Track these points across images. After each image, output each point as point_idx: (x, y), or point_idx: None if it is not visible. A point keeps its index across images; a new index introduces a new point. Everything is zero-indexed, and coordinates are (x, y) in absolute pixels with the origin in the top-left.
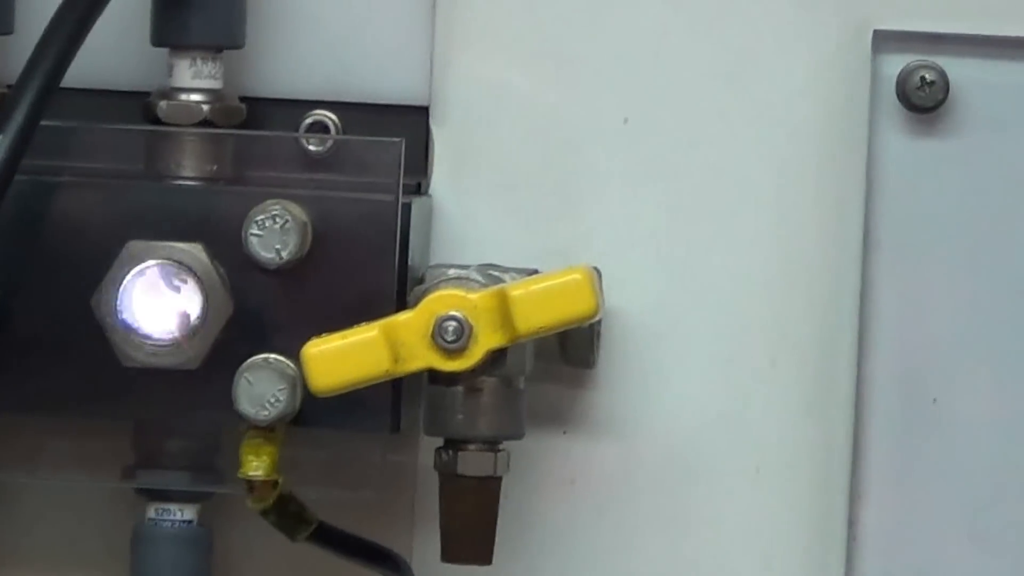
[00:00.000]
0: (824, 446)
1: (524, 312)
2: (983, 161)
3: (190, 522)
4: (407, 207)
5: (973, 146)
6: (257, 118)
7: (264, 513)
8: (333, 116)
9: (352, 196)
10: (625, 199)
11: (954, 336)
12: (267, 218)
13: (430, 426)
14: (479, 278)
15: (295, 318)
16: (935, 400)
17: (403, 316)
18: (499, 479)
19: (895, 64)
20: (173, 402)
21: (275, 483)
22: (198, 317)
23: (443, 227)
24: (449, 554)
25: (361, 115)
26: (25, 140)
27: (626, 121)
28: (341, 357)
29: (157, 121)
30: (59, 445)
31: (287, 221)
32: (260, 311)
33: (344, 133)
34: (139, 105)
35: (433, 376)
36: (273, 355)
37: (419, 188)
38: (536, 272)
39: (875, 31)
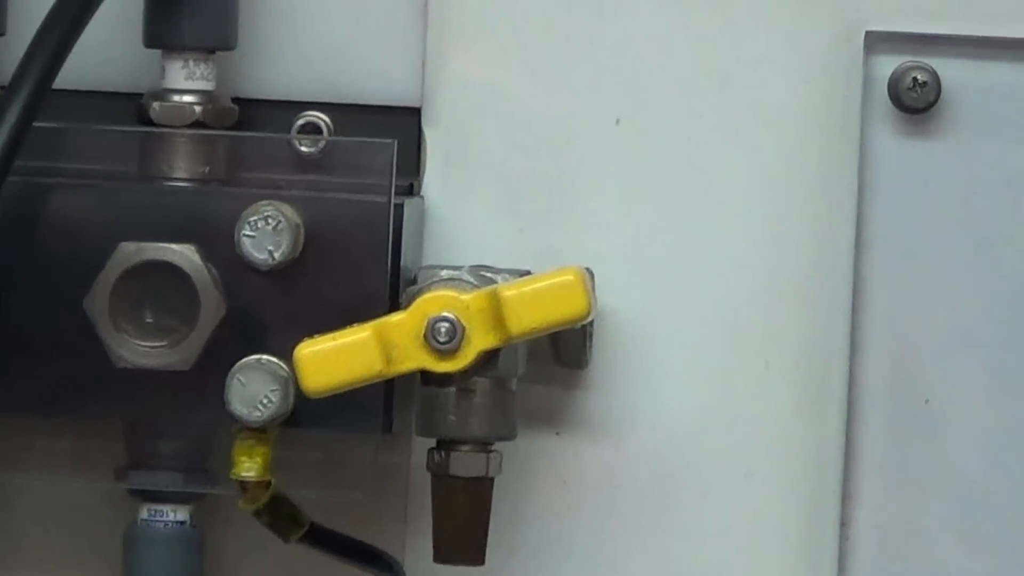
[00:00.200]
0: (816, 447)
1: (516, 313)
2: (975, 162)
3: (183, 523)
4: (399, 208)
5: (965, 147)
6: (249, 119)
7: (257, 514)
8: (325, 117)
9: (344, 197)
10: (617, 200)
11: (946, 337)
12: (259, 219)
13: (422, 427)
14: (471, 279)
15: (288, 319)
16: (927, 401)
17: (395, 317)
18: (491, 480)
19: (887, 65)
20: (165, 403)
21: (268, 484)
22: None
23: (435, 228)
24: (441, 555)
25: (353, 116)
26: (18, 142)
27: (618, 122)
28: (333, 358)
29: (150, 122)
30: (51, 446)
31: (279, 222)
32: (253, 312)
33: (336, 134)
34: (132, 106)
35: (425, 377)
36: (266, 356)
37: (411, 189)
38: (528, 273)
39: (867, 32)
